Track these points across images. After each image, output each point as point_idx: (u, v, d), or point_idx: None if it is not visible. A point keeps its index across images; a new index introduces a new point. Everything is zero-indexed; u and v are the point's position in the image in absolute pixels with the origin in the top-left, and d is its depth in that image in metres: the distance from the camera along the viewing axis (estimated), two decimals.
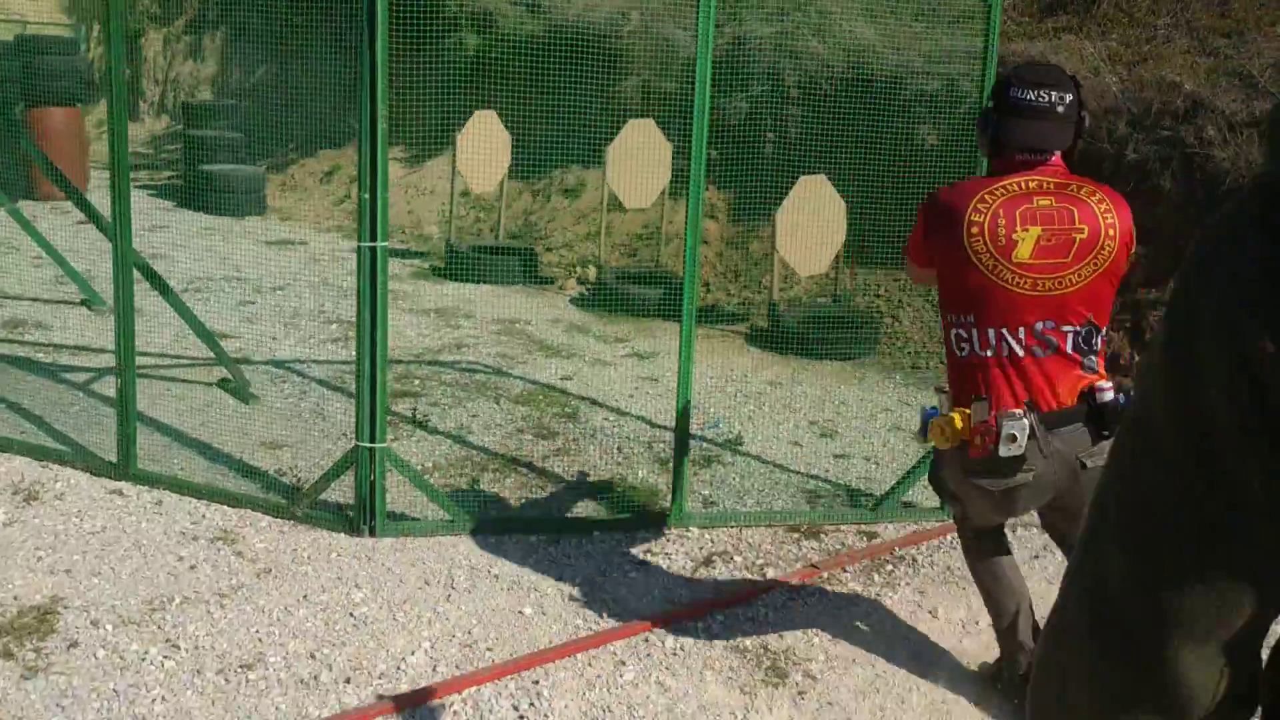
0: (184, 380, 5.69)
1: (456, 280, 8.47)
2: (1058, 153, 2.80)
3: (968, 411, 2.75)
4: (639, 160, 7.99)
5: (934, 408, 2.91)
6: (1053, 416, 2.71)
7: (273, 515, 4.16)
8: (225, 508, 4.22)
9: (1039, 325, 2.72)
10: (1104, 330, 2.79)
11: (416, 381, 5.87)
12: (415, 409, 5.36)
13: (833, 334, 6.93)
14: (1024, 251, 2.69)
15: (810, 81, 8.63)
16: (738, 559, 4.05)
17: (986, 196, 2.75)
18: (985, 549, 3.15)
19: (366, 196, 3.82)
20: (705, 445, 5.23)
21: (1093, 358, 2.78)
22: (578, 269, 8.92)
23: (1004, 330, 2.73)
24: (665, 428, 5.26)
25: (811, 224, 7.10)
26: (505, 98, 8.77)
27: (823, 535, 4.30)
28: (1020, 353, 2.73)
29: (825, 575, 3.95)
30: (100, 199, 10.68)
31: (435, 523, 4.10)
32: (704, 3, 3.93)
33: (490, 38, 10.93)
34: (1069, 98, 2.77)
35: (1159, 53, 7.45)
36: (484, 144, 8.54)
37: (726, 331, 7.51)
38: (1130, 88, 7.19)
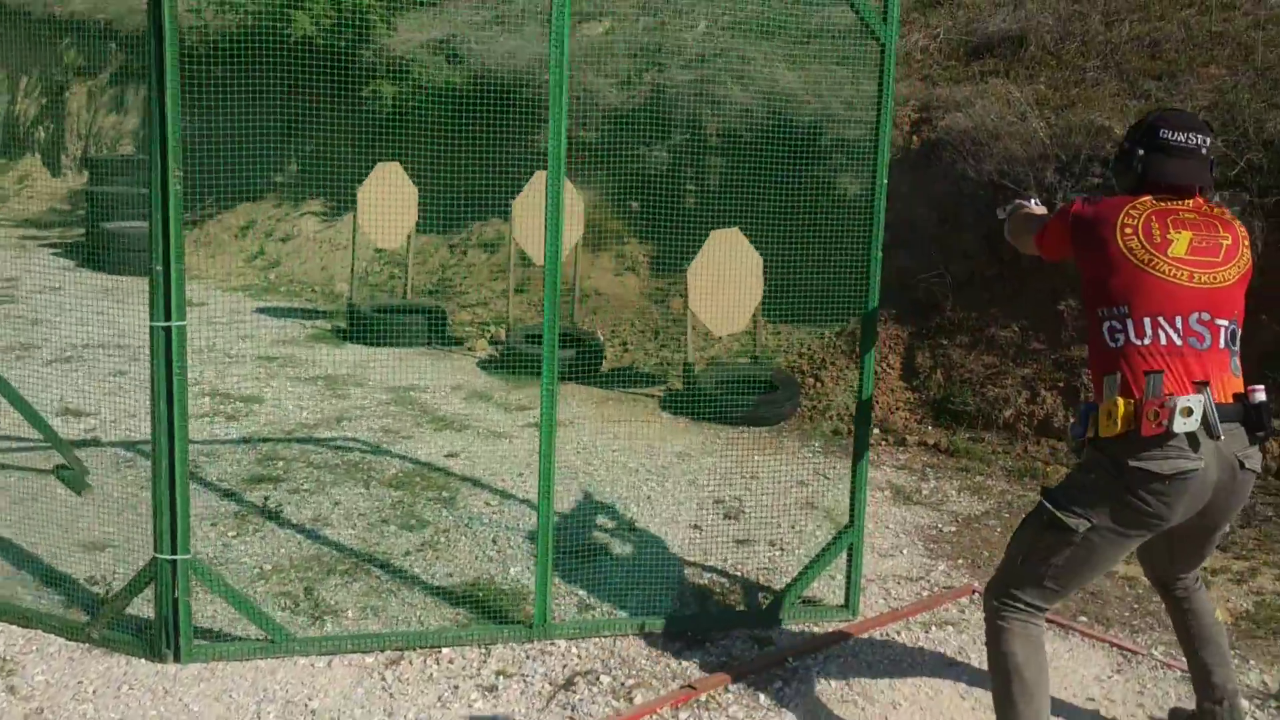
0: (18, 467, 5.11)
1: (358, 343, 7.94)
2: (1197, 189, 2.95)
3: (1130, 400, 2.74)
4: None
5: (1092, 402, 2.88)
6: (1218, 409, 2.74)
7: (66, 637, 3.57)
8: (14, 628, 3.63)
9: (1194, 317, 2.79)
10: (1240, 332, 2.88)
11: (280, 464, 5.30)
12: (267, 498, 4.80)
13: (750, 397, 6.44)
14: (1179, 249, 2.81)
15: (731, 130, 8.24)
16: (605, 679, 3.51)
17: (1138, 205, 2.89)
18: (1033, 627, 2.90)
19: (159, 269, 3.29)
20: (592, 533, 4.70)
21: (1236, 359, 2.85)
22: (490, 328, 8.40)
23: (1160, 319, 2.79)
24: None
25: (726, 280, 6.65)
26: (423, 148, 8.28)
27: (708, 644, 3.77)
28: (1179, 342, 2.78)
29: (703, 698, 3.42)
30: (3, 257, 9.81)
31: (252, 644, 3.53)
32: (554, 52, 3.46)
33: (408, 87, 10.49)
34: (1210, 140, 2.94)
35: (1088, 96, 7.11)
36: (388, 198, 8.04)
37: (640, 395, 7.02)
38: (1059, 132, 6.83)
